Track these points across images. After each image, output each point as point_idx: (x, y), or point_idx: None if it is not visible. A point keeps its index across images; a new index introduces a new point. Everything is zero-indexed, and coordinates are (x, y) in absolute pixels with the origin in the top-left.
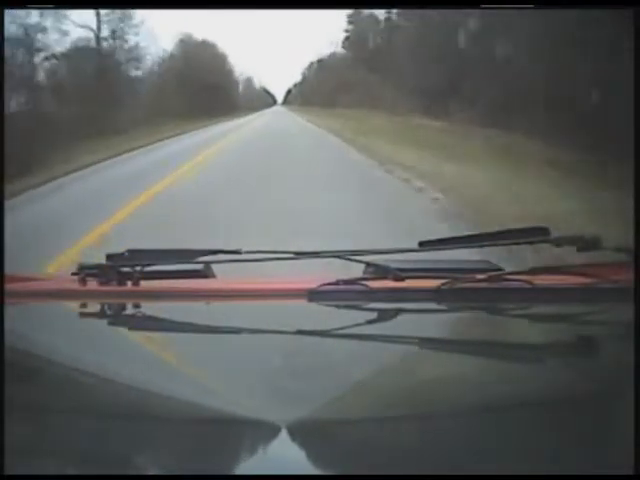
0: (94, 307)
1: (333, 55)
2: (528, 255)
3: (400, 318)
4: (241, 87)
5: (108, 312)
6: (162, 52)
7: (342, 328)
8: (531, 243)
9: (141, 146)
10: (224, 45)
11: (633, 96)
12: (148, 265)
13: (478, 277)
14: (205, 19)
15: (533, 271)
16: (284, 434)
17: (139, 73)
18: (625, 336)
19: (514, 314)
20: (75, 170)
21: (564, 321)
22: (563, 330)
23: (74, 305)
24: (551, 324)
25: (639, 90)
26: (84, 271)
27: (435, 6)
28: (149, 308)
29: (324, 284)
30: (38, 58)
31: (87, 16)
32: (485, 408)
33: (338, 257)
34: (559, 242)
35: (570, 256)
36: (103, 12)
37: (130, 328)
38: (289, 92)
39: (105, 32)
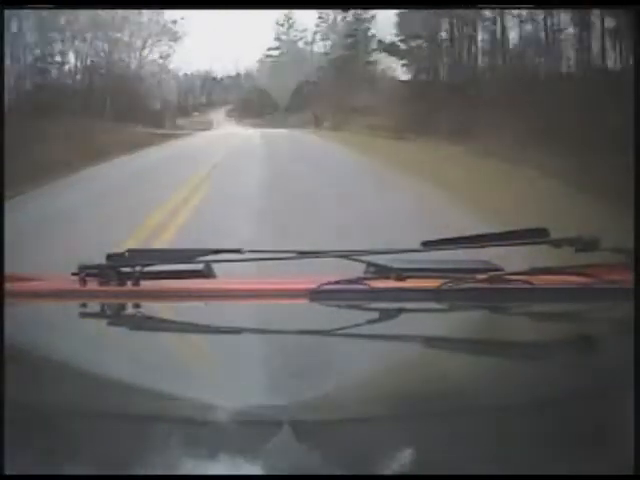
0: (94, 307)
1: None
2: None
3: (402, 317)
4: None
5: (108, 312)
6: None
7: (344, 328)
8: (531, 244)
9: None
10: None
11: (633, 95)
12: (148, 265)
13: (479, 277)
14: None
15: (533, 271)
16: (285, 434)
17: None
18: (624, 336)
19: (514, 314)
20: None
21: (564, 321)
22: (563, 330)
23: (74, 305)
24: (551, 324)
25: (639, 89)
26: (84, 271)
27: (435, 6)
28: (149, 308)
29: (326, 284)
30: None
31: None
32: (485, 407)
33: (340, 257)
34: (558, 243)
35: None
36: None
37: (130, 328)
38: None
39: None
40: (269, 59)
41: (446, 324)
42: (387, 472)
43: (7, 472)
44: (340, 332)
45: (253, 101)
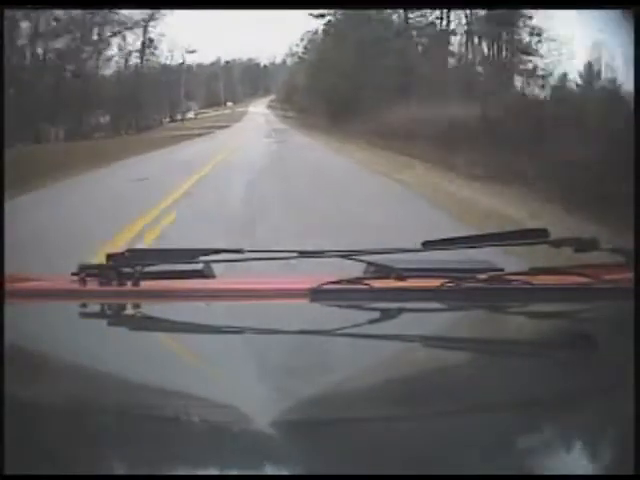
0: (94, 307)
1: None
2: None
3: (402, 317)
4: None
5: (108, 312)
6: None
7: (344, 327)
8: (531, 244)
9: None
10: None
11: (633, 95)
12: (148, 265)
13: (479, 277)
14: None
15: (532, 271)
16: (285, 433)
17: None
18: (624, 335)
19: (514, 313)
20: None
21: (563, 320)
22: (562, 329)
23: (74, 305)
24: (550, 323)
25: (639, 90)
26: (84, 271)
27: (436, 6)
28: (149, 308)
29: (326, 283)
30: None
31: None
32: (485, 406)
33: (341, 257)
34: (558, 243)
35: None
36: None
37: (130, 328)
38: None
39: None
40: (321, 24)
41: (446, 324)
42: (387, 472)
43: (7, 472)
44: (340, 332)
45: (297, 88)
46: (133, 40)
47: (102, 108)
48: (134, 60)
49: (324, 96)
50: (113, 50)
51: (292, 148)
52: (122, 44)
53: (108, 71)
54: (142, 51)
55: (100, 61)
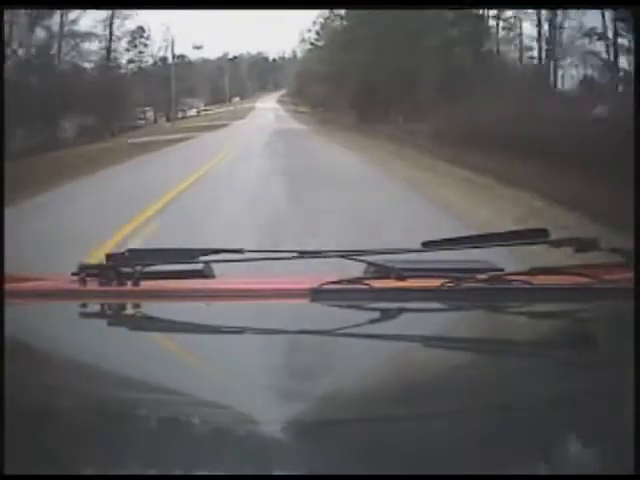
0: (94, 307)
1: None
2: None
3: (402, 317)
4: None
5: (108, 312)
6: None
7: (344, 327)
8: (531, 244)
9: None
10: None
11: (633, 96)
12: (148, 265)
13: (479, 277)
14: None
15: (533, 271)
16: (285, 434)
17: None
18: (624, 335)
19: (514, 313)
20: None
21: (563, 320)
22: (562, 329)
23: (74, 305)
24: (550, 323)
25: (639, 90)
26: (84, 271)
27: (435, 6)
28: (149, 308)
29: (326, 283)
30: None
31: None
32: (485, 407)
33: (341, 257)
34: (558, 244)
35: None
36: None
37: (130, 328)
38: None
39: None
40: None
41: (446, 324)
42: (387, 472)
43: (7, 472)
44: (340, 332)
45: (309, 80)
46: (116, 26)
47: (74, 112)
48: (121, 51)
49: (342, 86)
50: (93, 42)
51: (306, 168)
52: (104, 32)
53: (85, 64)
54: (131, 41)
55: (67, 49)
